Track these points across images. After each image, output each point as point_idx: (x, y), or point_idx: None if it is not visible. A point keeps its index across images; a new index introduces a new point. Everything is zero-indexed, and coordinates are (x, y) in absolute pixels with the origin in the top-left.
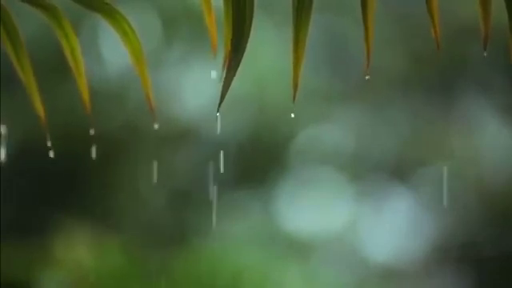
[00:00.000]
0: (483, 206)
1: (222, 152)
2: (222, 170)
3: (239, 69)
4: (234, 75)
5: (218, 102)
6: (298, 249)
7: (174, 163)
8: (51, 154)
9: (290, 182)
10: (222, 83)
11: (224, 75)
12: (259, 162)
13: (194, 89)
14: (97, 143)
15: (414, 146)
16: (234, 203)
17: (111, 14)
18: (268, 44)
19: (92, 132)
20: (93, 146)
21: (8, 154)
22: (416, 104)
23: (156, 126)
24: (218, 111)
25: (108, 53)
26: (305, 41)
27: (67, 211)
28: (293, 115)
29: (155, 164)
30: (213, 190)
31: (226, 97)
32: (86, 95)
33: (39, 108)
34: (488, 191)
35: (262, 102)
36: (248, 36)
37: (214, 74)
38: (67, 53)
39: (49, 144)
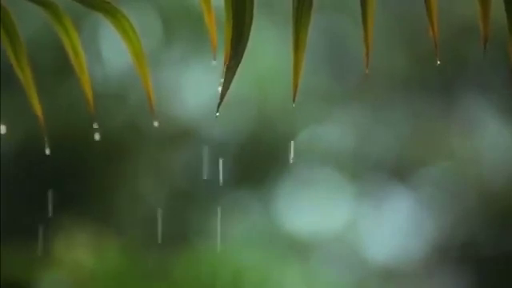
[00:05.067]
0: (483, 206)
1: (222, 152)
2: (221, 170)
3: (239, 69)
4: (234, 75)
5: (217, 102)
6: (298, 249)
7: (174, 163)
8: (49, 154)
9: (289, 182)
10: (221, 83)
11: (224, 75)
12: (259, 161)
13: (193, 89)
14: (97, 143)
15: (414, 146)
16: (234, 203)
17: (112, 13)
18: (268, 44)
19: (95, 125)
20: (93, 144)
21: (8, 154)
22: (416, 104)
23: (156, 124)
24: (217, 111)
25: (108, 52)
26: (305, 41)
27: (67, 211)
28: (294, 110)
29: (155, 164)
30: (213, 190)
31: (226, 97)
32: (88, 92)
33: (37, 108)
34: (488, 191)
35: (261, 102)
36: (248, 36)
37: (213, 74)
38: (68, 49)
39: (47, 144)
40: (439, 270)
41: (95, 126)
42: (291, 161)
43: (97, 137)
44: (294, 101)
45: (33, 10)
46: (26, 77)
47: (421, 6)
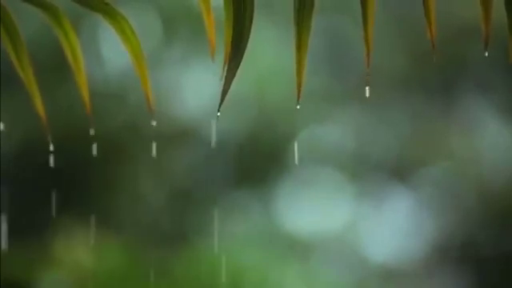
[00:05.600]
0: (483, 206)
1: (222, 152)
2: (221, 170)
3: (239, 69)
4: (235, 75)
5: (218, 101)
6: (298, 249)
7: (174, 163)
8: (49, 154)
9: (289, 182)
10: (222, 83)
11: (224, 75)
12: (259, 161)
13: (193, 89)
14: (97, 143)
15: (414, 145)
16: (233, 203)
17: (111, 14)
18: (268, 44)
19: (92, 131)
20: (93, 145)
21: (8, 154)
22: (416, 104)
23: (154, 123)
24: (218, 111)
25: (108, 53)
26: (307, 41)
27: (67, 211)
28: (294, 110)
29: (155, 164)
30: (213, 190)
31: (226, 97)
32: (85, 94)
33: (40, 108)
34: (488, 191)
35: (261, 102)
36: (248, 36)
37: (213, 74)
38: (67, 52)
39: (50, 143)
40: (439, 270)
41: (92, 132)
42: (296, 162)
43: (92, 132)
44: (298, 101)
45: (32, 10)
46: (27, 76)
47: (421, 7)
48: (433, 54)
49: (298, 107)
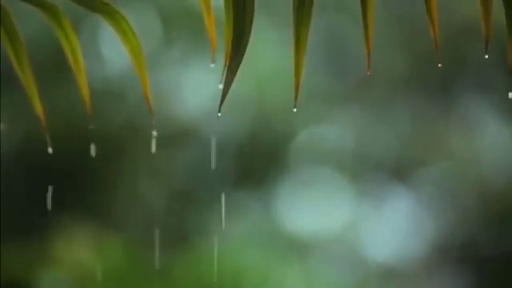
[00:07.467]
0: (483, 206)
1: (222, 152)
2: (221, 170)
3: (239, 69)
4: (235, 75)
5: (218, 101)
6: (298, 249)
7: (174, 163)
8: (51, 154)
9: (289, 182)
10: (222, 83)
11: (225, 75)
12: (259, 162)
13: (193, 89)
14: (96, 143)
15: (414, 145)
16: (234, 203)
17: (111, 15)
18: (268, 44)
19: (91, 130)
20: (92, 144)
21: (8, 154)
22: (416, 104)
23: (155, 133)
24: (219, 111)
25: (108, 52)
26: (306, 41)
27: (67, 211)
28: (295, 110)
29: (155, 164)
30: (213, 190)
31: (227, 97)
32: (86, 94)
33: (38, 108)
34: (488, 191)
35: (261, 102)
36: (249, 36)
37: (213, 74)
38: (67, 52)
39: (49, 144)
40: (439, 270)
41: (91, 127)
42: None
43: (91, 126)
44: (296, 100)
45: (32, 10)
46: (26, 77)
47: (421, 6)
48: (436, 53)
49: (296, 106)
